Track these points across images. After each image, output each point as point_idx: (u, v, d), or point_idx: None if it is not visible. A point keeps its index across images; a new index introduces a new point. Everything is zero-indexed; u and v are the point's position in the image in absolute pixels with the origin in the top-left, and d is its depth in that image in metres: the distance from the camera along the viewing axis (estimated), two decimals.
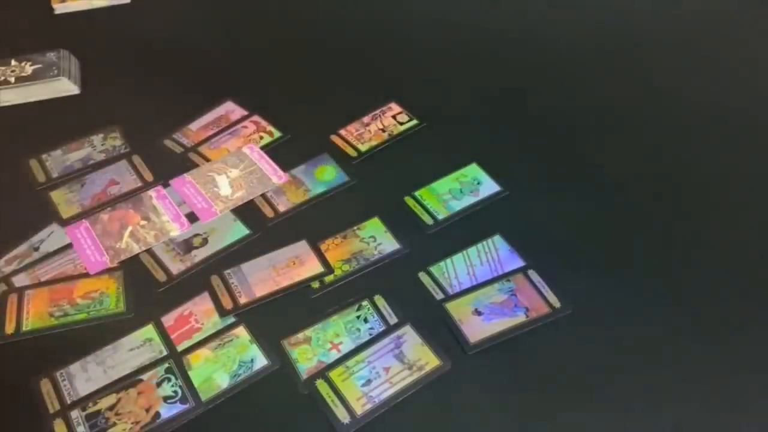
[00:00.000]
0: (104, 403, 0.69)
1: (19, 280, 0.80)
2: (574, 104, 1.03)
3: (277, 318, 0.76)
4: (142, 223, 0.86)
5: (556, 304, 0.76)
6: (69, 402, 0.69)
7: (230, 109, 1.03)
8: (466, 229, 0.85)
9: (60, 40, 1.14)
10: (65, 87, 1.06)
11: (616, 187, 0.90)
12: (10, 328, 0.75)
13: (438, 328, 0.74)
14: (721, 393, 0.69)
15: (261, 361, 0.72)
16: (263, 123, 1.00)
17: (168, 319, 0.76)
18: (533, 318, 0.75)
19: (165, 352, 0.73)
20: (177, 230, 0.85)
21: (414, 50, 1.15)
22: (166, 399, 0.69)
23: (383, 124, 0.99)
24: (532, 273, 0.79)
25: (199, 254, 0.83)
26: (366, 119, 1.00)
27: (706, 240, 0.84)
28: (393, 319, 0.75)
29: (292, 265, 0.81)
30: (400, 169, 0.94)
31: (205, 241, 0.84)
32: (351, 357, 0.72)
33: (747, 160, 0.94)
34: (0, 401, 0.70)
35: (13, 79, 1.05)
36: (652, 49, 1.13)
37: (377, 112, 1.01)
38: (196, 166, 0.94)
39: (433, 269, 0.80)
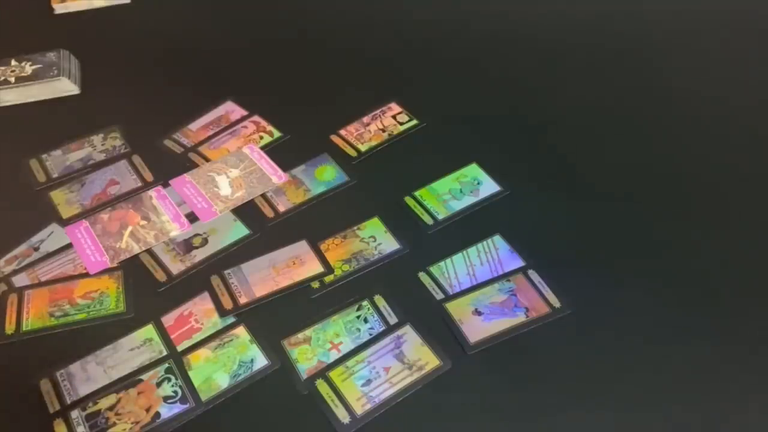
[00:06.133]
0: (104, 403, 0.69)
1: (19, 280, 0.80)
2: (575, 104, 1.03)
3: (277, 318, 0.76)
4: (142, 223, 0.86)
5: (556, 304, 0.76)
6: (69, 402, 0.69)
7: (230, 109, 1.03)
8: (466, 229, 0.85)
9: (60, 40, 1.14)
10: (65, 87, 1.06)
11: (617, 187, 0.90)
12: (10, 328, 0.75)
13: (438, 328, 0.74)
14: (722, 392, 0.69)
15: (261, 361, 0.72)
16: (263, 123, 1.00)
17: (168, 319, 0.76)
18: (533, 318, 0.75)
19: (165, 352, 0.73)
20: (177, 230, 0.85)
21: (414, 50, 1.15)
22: (166, 399, 0.69)
23: (383, 124, 0.99)
24: (532, 273, 0.79)
25: (199, 254, 0.83)
26: (366, 119, 1.00)
27: (707, 240, 0.84)
28: (393, 319, 0.75)
29: (292, 265, 0.81)
30: (400, 169, 0.94)
31: (205, 241, 0.84)
32: (351, 357, 0.72)
33: (750, 160, 0.94)
34: (0, 401, 0.70)
35: (13, 79, 1.05)
36: (655, 49, 1.14)
37: (377, 112, 1.01)
38: (196, 166, 0.94)
39: (433, 269, 0.80)
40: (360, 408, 0.68)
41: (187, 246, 0.84)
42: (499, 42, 1.16)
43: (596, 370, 0.71)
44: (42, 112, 1.04)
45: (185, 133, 0.99)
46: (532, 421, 0.67)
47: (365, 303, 0.77)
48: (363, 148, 0.96)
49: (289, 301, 0.78)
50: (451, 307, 0.76)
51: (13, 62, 1.08)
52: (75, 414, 0.68)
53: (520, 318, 0.75)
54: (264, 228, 0.86)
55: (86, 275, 0.80)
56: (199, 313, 0.76)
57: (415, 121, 1.00)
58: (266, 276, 0.79)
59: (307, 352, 0.73)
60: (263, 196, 0.90)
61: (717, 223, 0.86)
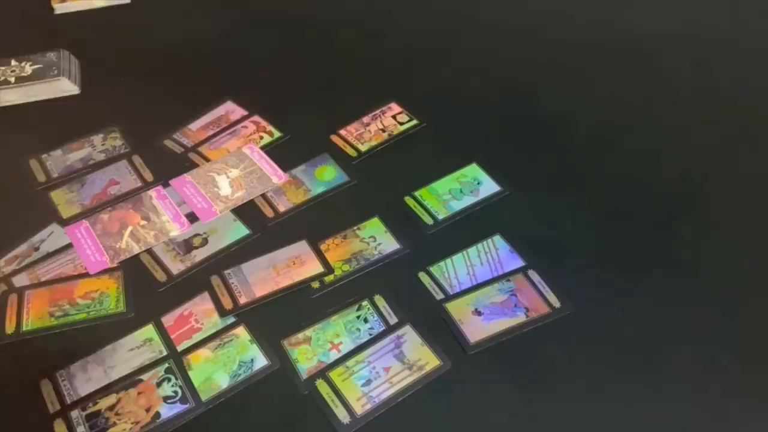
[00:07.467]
0: (104, 403, 0.69)
1: (19, 280, 0.80)
2: (575, 104, 1.03)
3: (277, 318, 0.76)
4: (142, 223, 0.86)
5: (556, 304, 0.76)
6: (69, 402, 0.69)
7: (230, 109, 1.03)
8: (466, 229, 0.85)
9: (60, 40, 1.14)
10: (65, 87, 1.06)
11: (617, 187, 0.90)
12: (10, 328, 0.75)
13: (438, 328, 0.74)
14: (721, 392, 0.69)
15: (261, 361, 0.72)
16: (263, 123, 1.00)
17: (168, 319, 0.76)
18: (533, 318, 0.75)
19: (165, 352, 0.73)
20: (177, 230, 0.85)
21: (414, 50, 1.15)
22: (166, 399, 0.69)
23: (383, 124, 0.99)
24: (532, 273, 0.79)
25: (199, 254, 0.83)
26: (366, 119, 1.00)
27: (706, 240, 0.84)
28: (393, 319, 0.75)
29: (292, 265, 0.81)
30: (400, 169, 0.94)
31: (205, 241, 0.84)
32: (351, 357, 0.72)
33: (749, 161, 0.94)
34: (0, 401, 0.70)
35: (13, 79, 1.05)
36: (655, 50, 1.13)
37: (377, 112, 1.01)
38: (196, 166, 0.94)
39: (433, 269, 0.80)
40: (360, 408, 0.68)
41: (187, 246, 0.84)
42: (500, 42, 1.16)
43: (596, 370, 0.71)
44: (42, 112, 1.04)
45: (185, 133, 0.99)
46: (532, 421, 0.67)
47: (365, 303, 0.77)
48: (363, 148, 0.96)
49: (289, 301, 0.78)
50: (451, 307, 0.76)
51: (13, 62, 1.08)
52: (75, 414, 0.68)
53: (520, 318, 0.75)
54: (264, 228, 0.86)
55: (86, 275, 0.80)
56: (199, 313, 0.76)
57: (415, 121, 1.00)
58: (266, 276, 0.79)
59: (307, 352, 0.73)
60: (263, 196, 0.90)
61: (717, 222, 0.86)
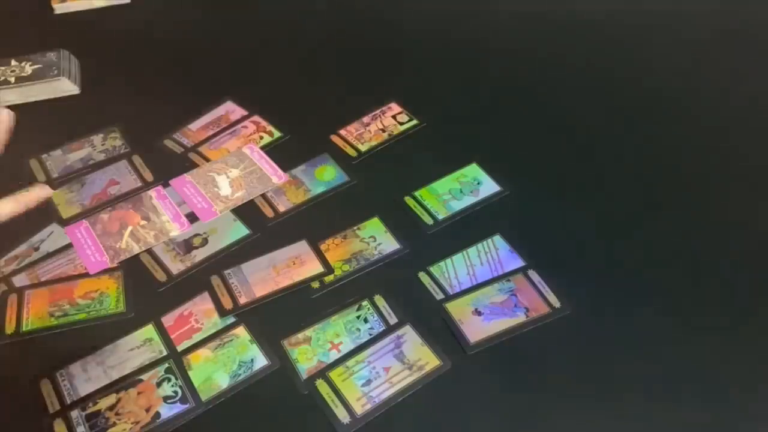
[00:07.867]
0: (104, 403, 0.69)
1: (19, 280, 0.80)
2: (575, 104, 1.03)
3: (277, 318, 0.76)
4: (142, 223, 0.86)
5: (556, 304, 0.76)
6: (69, 402, 0.69)
7: (230, 109, 1.03)
8: (466, 229, 0.85)
9: (60, 40, 1.14)
10: (65, 87, 1.06)
11: (617, 187, 0.90)
12: (9, 328, 0.75)
13: (438, 328, 0.74)
14: (722, 393, 0.69)
15: (261, 361, 0.72)
16: (263, 123, 1.00)
17: (168, 319, 0.76)
18: (533, 318, 0.75)
19: (165, 352, 0.73)
20: (177, 230, 0.85)
21: (414, 50, 1.15)
22: (166, 399, 0.69)
23: (383, 124, 0.99)
24: (532, 273, 0.79)
25: (199, 254, 0.83)
26: (366, 119, 1.00)
27: (706, 240, 0.84)
28: (393, 319, 0.75)
29: (292, 265, 0.81)
30: (400, 169, 0.94)
31: (205, 241, 0.84)
32: (351, 357, 0.72)
33: (749, 161, 0.94)
34: (0, 401, 0.70)
35: (13, 79, 1.05)
36: (656, 49, 1.13)
37: (377, 112, 1.01)
38: (196, 166, 0.94)
39: (433, 269, 0.80)
40: (360, 408, 0.68)
41: (187, 246, 0.84)
42: (500, 42, 1.16)
43: (596, 371, 0.71)
44: (42, 112, 1.04)
45: (185, 133, 0.99)
46: (532, 421, 0.67)
47: (365, 303, 0.77)
48: (363, 148, 0.96)
49: (289, 301, 0.78)
50: (451, 307, 0.76)
51: (13, 62, 1.08)
52: (75, 414, 0.68)
53: (520, 318, 0.75)
54: (264, 228, 0.86)
55: (86, 275, 0.80)
56: (199, 313, 0.76)
57: (415, 121, 1.00)
58: (266, 276, 0.79)
59: (307, 352, 0.73)
60: (263, 196, 0.90)
61: (719, 222, 0.86)
